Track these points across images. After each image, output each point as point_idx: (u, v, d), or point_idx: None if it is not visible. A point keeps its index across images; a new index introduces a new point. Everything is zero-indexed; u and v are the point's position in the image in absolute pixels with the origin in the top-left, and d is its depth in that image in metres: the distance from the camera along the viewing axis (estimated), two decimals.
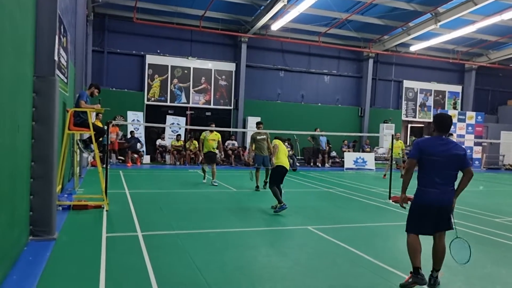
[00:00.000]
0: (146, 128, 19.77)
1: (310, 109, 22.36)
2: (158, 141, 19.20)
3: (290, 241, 5.76)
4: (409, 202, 4.65)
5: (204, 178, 12.42)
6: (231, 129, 19.97)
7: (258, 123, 11.56)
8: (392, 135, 12.54)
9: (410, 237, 4.62)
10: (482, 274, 4.97)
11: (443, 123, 4.57)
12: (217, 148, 12.10)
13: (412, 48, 22.22)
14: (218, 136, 12.13)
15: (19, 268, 4.51)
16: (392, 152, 12.46)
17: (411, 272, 4.48)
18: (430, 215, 4.49)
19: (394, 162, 16.92)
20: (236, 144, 20.26)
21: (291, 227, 6.94)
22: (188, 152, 18.71)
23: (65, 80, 9.88)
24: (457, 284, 4.57)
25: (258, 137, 11.33)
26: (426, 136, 4.92)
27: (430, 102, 25.56)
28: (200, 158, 12.11)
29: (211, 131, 12.01)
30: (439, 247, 4.62)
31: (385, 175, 15.38)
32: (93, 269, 4.56)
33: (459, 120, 22.83)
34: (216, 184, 11.77)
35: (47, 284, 4.16)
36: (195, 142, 19.04)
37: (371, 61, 23.15)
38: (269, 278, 4.56)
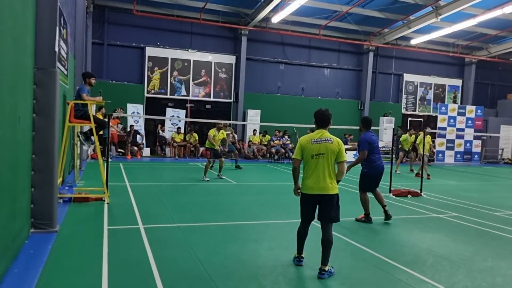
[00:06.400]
0: (146, 120, 19.72)
1: (310, 102, 22.25)
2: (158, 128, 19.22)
3: (292, 235, 5.73)
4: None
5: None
6: (231, 122, 19.93)
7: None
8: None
9: (363, 194, 7.21)
10: (483, 267, 4.98)
11: (370, 123, 7.27)
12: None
13: (413, 42, 22.14)
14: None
15: (20, 261, 4.50)
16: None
17: (364, 214, 7.18)
18: (377, 179, 7.23)
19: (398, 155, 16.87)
20: (236, 137, 20.23)
21: (292, 221, 6.93)
22: (188, 145, 18.70)
23: (65, 72, 9.83)
24: (458, 277, 4.58)
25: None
26: (365, 132, 7.20)
27: (430, 95, 25.52)
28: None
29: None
30: (380, 194, 7.34)
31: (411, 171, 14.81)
32: (95, 262, 4.57)
33: (459, 114, 22.78)
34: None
35: (49, 277, 4.16)
36: (195, 135, 19.11)
37: (371, 54, 23.07)
38: (271, 271, 4.56)
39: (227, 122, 15.05)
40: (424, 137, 12.29)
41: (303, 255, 4.82)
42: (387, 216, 7.23)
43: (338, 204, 4.71)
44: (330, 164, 4.62)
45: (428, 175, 13.92)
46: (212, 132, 11.89)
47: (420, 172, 13.85)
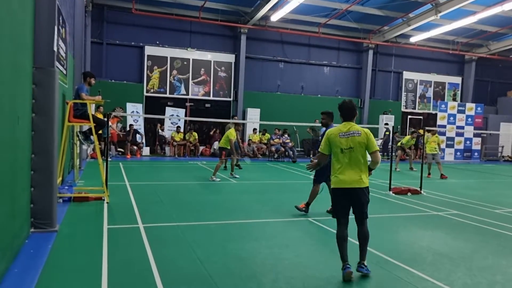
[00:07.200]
0: (146, 119, 19.71)
1: (309, 101, 22.28)
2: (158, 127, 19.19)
3: (291, 233, 5.76)
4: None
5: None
6: (230, 121, 19.91)
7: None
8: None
9: (316, 186, 7.48)
10: (483, 265, 4.97)
11: (332, 116, 7.44)
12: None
13: (412, 39, 22.11)
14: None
15: (20, 261, 4.50)
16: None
17: (306, 204, 7.35)
18: (328, 172, 6.60)
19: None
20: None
21: (292, 219, 6.95)
22: (188, 144, 18.70)
23: (64, 72, 9.82)
24: (458, 275, 4.58)
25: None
26: (330, 125, 7.32)
27: (430, 93, 25.51)
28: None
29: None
30: (317, 190, 7.54)
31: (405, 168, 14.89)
32: (95, 261, 4.56)
33: (459, 111, 22.77)
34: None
35: (49, 276, 4.15)
36: (195, 134, 19.12)
37: (371, 52, 23.05)
38: (271, 269, 4.56)
39: (239, 121, 15.40)
40: (424, 136, 12.34)
41: (348, 262, 4.39)
42: (300, 209, 7.42)
43: (369, 198, 4.63)
44: (361, 157, 4.52)
45: (429, 173, 13.94)
46: (234, 135, 11.85)
47: (442, 172, 13.81)
